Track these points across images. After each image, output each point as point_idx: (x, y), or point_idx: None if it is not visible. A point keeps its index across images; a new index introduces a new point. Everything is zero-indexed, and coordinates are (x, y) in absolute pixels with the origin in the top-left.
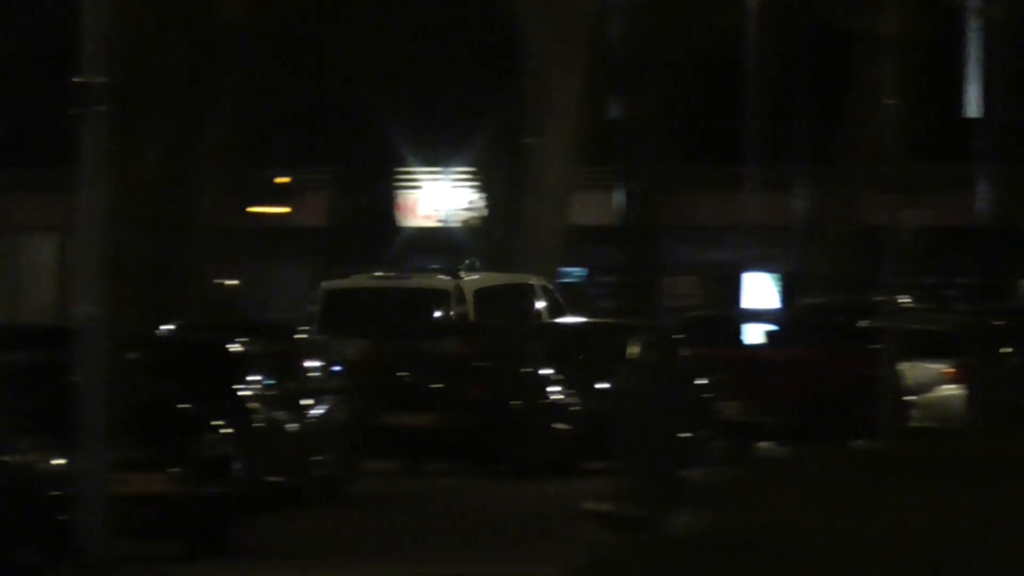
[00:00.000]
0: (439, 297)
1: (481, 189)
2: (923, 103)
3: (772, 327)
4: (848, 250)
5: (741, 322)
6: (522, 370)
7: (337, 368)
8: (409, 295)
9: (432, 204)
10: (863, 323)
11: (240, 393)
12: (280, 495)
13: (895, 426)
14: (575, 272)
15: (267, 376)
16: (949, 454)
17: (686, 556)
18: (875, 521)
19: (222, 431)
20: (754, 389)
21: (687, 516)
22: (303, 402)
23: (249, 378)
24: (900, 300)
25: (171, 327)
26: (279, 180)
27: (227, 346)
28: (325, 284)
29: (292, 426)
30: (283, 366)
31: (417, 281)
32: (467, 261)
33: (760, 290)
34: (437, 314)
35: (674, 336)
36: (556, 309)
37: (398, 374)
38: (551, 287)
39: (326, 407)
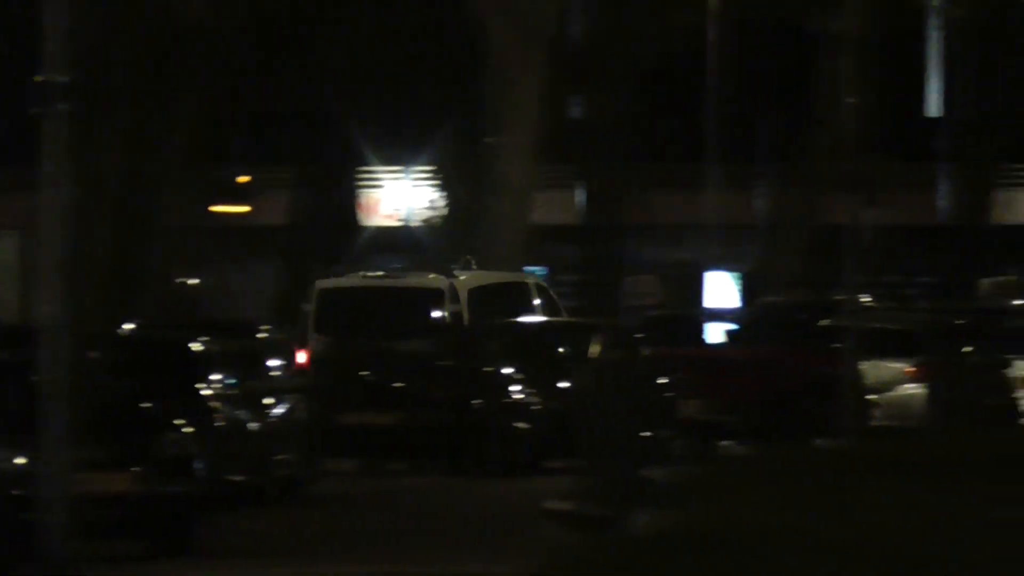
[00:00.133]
0: (433, 296)
1: (442, 188)
2: (884, 102)
3: (733, 326)
4: (809, 249)
5: (702, 321)
6: (484, 369)
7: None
8: (404, 294)
9: (393, 203)
10: (824, 322)
11: (202, 392)
12: (242, 494)
13: (856, 425)
14: (536, 271)
15: (228, 375)
16: (910, 453)
17: (647, 555)
18: (837, 519)
19: (184, 430)
20: (715, 388)
21: (648, 515)
22: (265, 401)
23: (211, 377)
24: (861, 299)
25: (133, 326)
26: (240, 179)
27: (188, 345)
28: (320, 283)
29: (254, 425)
30: (244, 365)
31: (412, 280)
32: (464, 259)
33: (721, 289)
34: (436, 314)
35: (636, 335)
36: (552, 308)
37: (360, 373)
38: (546, 285)
39: (288, 406)
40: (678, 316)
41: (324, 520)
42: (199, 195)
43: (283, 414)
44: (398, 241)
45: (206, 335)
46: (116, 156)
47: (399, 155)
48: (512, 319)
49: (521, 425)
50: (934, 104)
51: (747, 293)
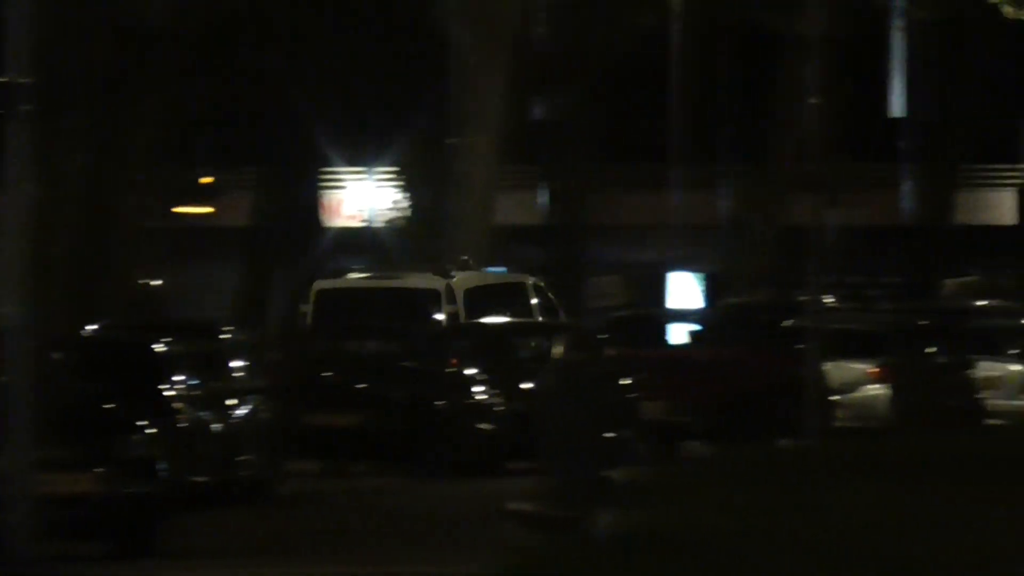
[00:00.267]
0: (430, 296)
1: (405, 189)
2: (847, 103)
3: (696, 327)
4: (772, 250)
5: (666, 322)
6: (446, 370)
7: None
8: (401, 295)
9: (356, 204)
10: (787, 323)
11: (165, 393)
12: (205, 495)
13: (820, 426)
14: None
15: (192, 376)
16: (873, 454)
17: (609, 556)
18: (800, 520)
19: (147, 431)
20: (678, 389)
21: (611, 516)
22: (228, 402)
23: (174, 378)
24: (825, 300)
25: (96, 327)
26: (203, 180)
27: (151, 346)
28: (317, 284)
29: (217, 426)
30: (208, 366)
31: (409, 281)
32: (461, 259)
33: (685, 290)
34: (436, 315)
35: (599, 336)
36: (549, 308)
37: (323, 374)
38: (543, 285)
39: (251, 407)
40: (641, 317)
41: (288, 521)
42: (162, 196)
43: (246, 415)
44: (361, 242)
45: (169, 336)
46: (79, 157)
47: (362, 156)
48: (506, 319)
49: (484, 426)
50: (897, 105)
51: (711, 294)
